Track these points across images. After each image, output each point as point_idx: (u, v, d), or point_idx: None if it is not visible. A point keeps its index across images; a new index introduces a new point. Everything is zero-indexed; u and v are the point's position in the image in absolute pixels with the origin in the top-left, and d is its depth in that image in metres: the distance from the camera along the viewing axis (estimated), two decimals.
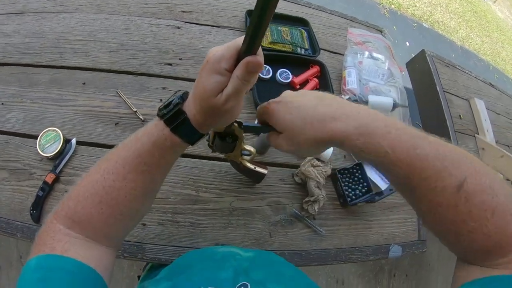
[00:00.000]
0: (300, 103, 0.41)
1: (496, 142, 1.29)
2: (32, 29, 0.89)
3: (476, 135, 1.25)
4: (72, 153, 0.78)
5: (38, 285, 0.33)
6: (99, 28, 0.91)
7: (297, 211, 0.82)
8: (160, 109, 0.40)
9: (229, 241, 0.76)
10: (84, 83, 0.84)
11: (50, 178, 0.74)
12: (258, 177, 0.74)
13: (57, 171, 0.75)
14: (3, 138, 0.78)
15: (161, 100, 0.84)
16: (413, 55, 1.36)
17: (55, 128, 0.77)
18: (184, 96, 0.40)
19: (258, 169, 0.67)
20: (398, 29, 3.26)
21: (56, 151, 0.75)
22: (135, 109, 0.82)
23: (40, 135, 0.76)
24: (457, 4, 4.53)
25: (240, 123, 0.54)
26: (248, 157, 0.66)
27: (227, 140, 0.57)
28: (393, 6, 3.53)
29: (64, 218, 0.39)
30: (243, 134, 0.57)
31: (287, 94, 0.45)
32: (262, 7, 0.30)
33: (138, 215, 0.47)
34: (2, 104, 0.81)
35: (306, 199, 0.81)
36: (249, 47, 0.35)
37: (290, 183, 0.84)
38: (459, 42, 3.86)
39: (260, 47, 0.37)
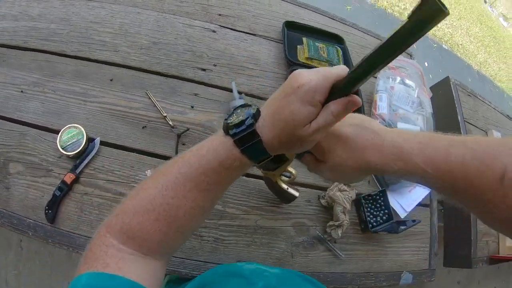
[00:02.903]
0: (342, 133, 0.42)
1: None
2: (59, 14, 0.84)
3: None
4: (95, 154, 0.74)
5: None
6: (130, 22, 0.87)
7: (320, 234, 0.81)
8: (229, 126, 0.37)
9: (251, 259, 0.74)
10: (111, 80, 0.80)
11: (69, 178, 0.70)
12: (288, 199, 0.72)
13: (77, 171, 0.71)
14: (20, 129, 0.74)
15: (192, 107, 0.81)
16: (430, 76, 1.37)
17: (78, 125, 0.73)
18: (256, 115, 0.38)
19: (291, 190, 0.66)
20: (418, 48, 3.28)
21: (78, 150, 0.71)
22: (164, 114, 0.78)
23: (62, 130, 0.72)
24: (478, 28, 4.56)
25: None
26: (287, 179, 0.64)
27: (275, 160, 0.55)
28: None
29: (118, 233, 0.37)
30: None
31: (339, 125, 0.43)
32: (385, 52, 0.29)
33: (193, 231, 0.48)
34: (22, 91, 0.76)
35: (331, 223, 0.80)
36: (350, 85, 0.34)
37: (316, 205, 0.83)
38: (476, 67, 3.89)
39: None
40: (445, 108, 1.23)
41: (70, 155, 0.71)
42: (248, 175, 0.79)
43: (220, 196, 0.44)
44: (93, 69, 0.81)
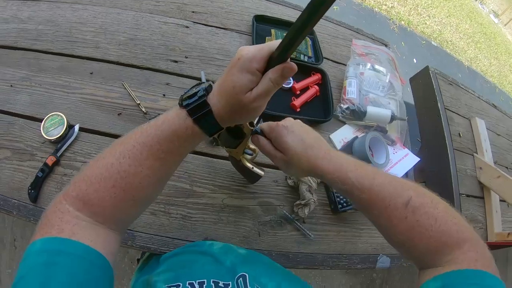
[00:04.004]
0: (305, 140, 0.51)
1: (495, 163, 1.30)
2: (46, 17, 0.93)
3: (474, 154, 1.25)
4: (74, 139, 0.80)
5: (43, 269, 0.32)
6: (110, 21, 0.95)
7: (287, 213, 0.83)
8: (183, 99, 0.41)
9: (218, 237, 0.77)
10: (91, 73, 0.87)
11: (50, 160, 0.76)
12: (254, 178, 0.75)
13: (58, 154, 0.77)
14: (9, 119, 0.80)
15: (164, 95, 0.87)
16: None
17: (59, 113, 0.79)
18: (208, 89, 0.42)
19: (256, 169, 0.68)
20: (407, 45, 3.29)
21: (59, 135, 0.77)
22: (138, 102, 0.84)
23: (45, 118, 0.79)
24: (468, 25, 4.55)
25: (251, 123, 0.56)
26: (249, 156, 0.67)
27: (234, 136, 0.59)
28: (403, 22, 3.56)
29: (74, 199, 0.38)
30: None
31: (294, 125, 0.54)
32: (307, 17, 0.31)
33: (149, 201, 0.48)
34: (11, 86, 0.84)
35: (297, 202, 0.82)
36: (283, 53, 0.37)
37: (283, 185, 0.86)
38: (466, 63, 3.87)
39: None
40: (426, 97, 1.24)
41: (52, 139, 0.77)
42: (215, 156, 0.83)
43: (173, 167, 0.46)
44: (75, 64, 0.88)
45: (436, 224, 0.40)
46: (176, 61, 0.92)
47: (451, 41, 4.00)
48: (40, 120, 0.79)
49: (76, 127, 0.81)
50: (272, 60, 0.38)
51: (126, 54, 0.91)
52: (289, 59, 0.40)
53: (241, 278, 0.47)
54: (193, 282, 0.44)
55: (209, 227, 0.77)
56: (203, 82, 0.44)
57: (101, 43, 0.91)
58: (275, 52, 0.38)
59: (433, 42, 3.73)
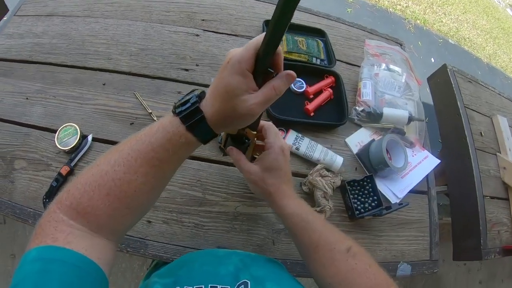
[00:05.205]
0: (287, 172, 0.58)
1: None
2: (59, 31, 0.95)
3: (497, 153, 1.19)
4: (88, 149, 0.80)
5: (37, 276, 0.32)
6: (121, 33, 0.96)
7: None
8: (176, 106, 0.40)
9: (231, 245, 0.76)
10: (104, 84, 0.88)
11: (64, 170, 0.77)
12: None
13: (72, 164, 0.78)
14: (25, 130, 0.82)
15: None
16: None
17: (73, 124, 0.80)
18: (201, 95, 0.41)
19: None
20: (423, 44, 3.21)
21: (73, 145, 0.78)
22: (150, 111, 0.84)
23: (59, 129, 0.80)
24: (485, 21, 4.41)
25: (253, 127, 0.54)
26: None
27: (240, 142, 0.58)
28: (418, 21, 3.48)
29: (68, 208, 0.38)
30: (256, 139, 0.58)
31: (288, 153, 0.59)
32: (282, 8, 0.30)
33: (144, 210, 0.47)
34: (27, 98, 0.86)
35: (312, 209, 0.80)
36: (267, 49, 0.36)
37: (297, 192, 0.84)
38: (485, 59, 3.75)
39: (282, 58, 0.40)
40: (445, 96, 1.19)
41: (66, 149, 0.78)
42: (228, 164, 0.82)
43: (168, 174, 0.45)
44: (88, 76, 0.89)
45: (370, 269, 0.48)
46: (187, 70, 0.92)
47: (468, 38, 3.88)
48: (55, 131, 0.80)
49: (90, 137, 0.81)
50: (259, 57, 0.37)
51: (137, 64, 0.91)
52: (281, 64, 0.40)
53: (242, 285, 0.45)
54: None
55: (221, 236, 0.76)
56: (197, 89, 0.43)
57: (113, 54, 0.92)
58: (260, 48, 0.37)
59: (450, 40, 3.63)
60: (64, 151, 0.79)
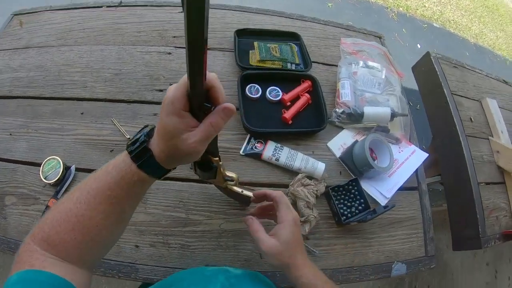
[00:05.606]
0: (299, 241, 0.58)
1: None
2: (35, 63, 0.96)
3: (490, 137, 1.16)
4: (72, 179, 0.82)
5: None
6: (95, 59, 0.96)
7: None
8: (128, 145, 0.42)
9: (218, 263, 0.76)
10: (82, 113, 0.89)
11: (52, 203, 0.79)
12: (245, 200, 0.73)
13: (58, 196, 0.80)
14: (12, 166, 0.84)
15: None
16: None
17: (56, 157, 0.82)
18: (150, 133, 0.42)
19: (245, 192, 0.68)
20: (408, 31, 3.15)
21: (57, 178, 0.80)
22: (128, 136, 0.85)
23: (43, 163, 0.82)
24: (468, 1, 4.29)
25: (213, 154, 0.55)
26: (232, 183, 0.67)
27: (207, 167, 0.58)
28: (401, 8, 3.41)
29: (40, 241, 0.41)
30: (220, 162, 0.58)
31: (298, 223, 0.59)
32: (189, 42, 0.29)
33: (110, 242, 0.49)
34: (10, 134, 0.87)
35: None
36: (192, 84, 0.35)
37: None
38: (472, 40, 3.67)
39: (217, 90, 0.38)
40: (431, 84, 1.17)
41: (52, 183, 0.80)
42: (208, 182, 0.82)
43: (128, 209, 0.47)
44: (67, 106, 0.90)
45: None
46: (161, 90, 0.92)
47: (453, 20, 3.79)
48: (39, 165, 0.82)
49: (73, 168, 0.83)
50: (189, 95, 0.37)
51: (112, 90, 0.92)
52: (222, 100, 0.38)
53: None
54: None
55: (208, 254, 0.77)
56: (147, 126, 0.44)
57: (88, 82, 0.93)
58: (188, 85, 0.36)
59: (435, 24, 3.55)
60: (49, 184, 0.81)
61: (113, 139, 0.86)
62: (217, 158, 0.55)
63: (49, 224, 0.42)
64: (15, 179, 0.83)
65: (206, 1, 0.26)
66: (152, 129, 0.43)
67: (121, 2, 1.07)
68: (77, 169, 0.83)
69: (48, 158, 0.82)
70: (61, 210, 0.42)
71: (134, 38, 1.01)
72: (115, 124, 0.87)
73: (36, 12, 1.08)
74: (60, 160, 0.82)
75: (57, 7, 1.09)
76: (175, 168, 0.45)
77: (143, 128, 0.44)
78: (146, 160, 0.41)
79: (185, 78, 0.37)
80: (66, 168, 0.83)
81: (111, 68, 0.95)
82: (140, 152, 0.41)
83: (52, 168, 0.82)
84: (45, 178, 0.80)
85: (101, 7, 1.07)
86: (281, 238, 0.55)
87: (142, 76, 0.94)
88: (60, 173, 0.80)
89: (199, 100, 0.38)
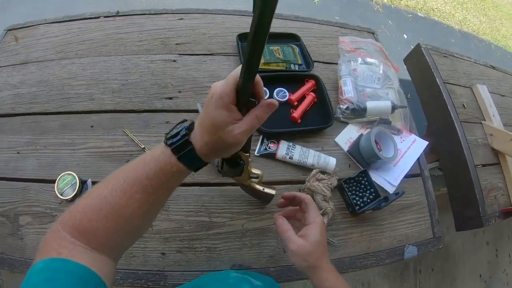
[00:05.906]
0: (324, 243, 0.59)
1: (505, 125, 1.28)
2: (36, 78, 0.95)
3: (482, 121, 1.24)
4: None
5: (44, 285, 0.35)
6: (99, 70, 0.96)
7: None
8: (167, 138, 0.43)
9: (245, 261, 0.79)
10: (92, 126, 0.89)
11: None
12: (266, 198, 0.76)
13: None
14: (23, 185, 0.83)
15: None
16: (412, 47, 1.35)
17: (70, 172, 0.82)
18: (190, 127, 0.44)
19: (267, 190, 0.70)
20: (394, 22, 3.24)
21: (74, 193, 0.80)
22: (143, 146, 0.85)
23: (57, 179, 0.81)
24: None
25: (246, 149, 0.57)
26: (256, 180, 0.69)
27: (235, 164, 0.60)
28: (385, 0, 3.50)
29: (70, 228, 0.41)
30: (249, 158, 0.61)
31: (324, 230, 0.60)
32: (254, 41, 0.32)
33: (140, 232, 0.50)
34: (18, 153, 0.86)
35: None
36: (245, 81, 0.38)
37: None
38: (456, 26, 3.80)
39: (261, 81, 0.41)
40: (423, 75, 1.23)
41: (69, 198, 0.80)
42: (227, 184, 0.84)
43: (163, 199, 0.48)
44: (75, 120, 0.90)
45: None
46: (171, 98, 0.93)
47: (436, 8, 3.92)
48: (53, 181, 0.81)
49: (89, 182, 0.83)
50: (239, 89, 0.39)
51: (121, 100, 0.92)
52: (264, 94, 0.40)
53: None
54: None
55: (235, 254, 0.79)
56: (186, 120, 0.46)
57: (95, 94, 0.93)
58: (239, 81, 0.38)
59: (419, 14, 3.66)
60: (66, 200, 0.80)
61: (128, 150, 0.86)
62: (247, 154, 0.58)
63: (81, 212, 0.42)
64: (28, 198, 0.82)
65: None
66: (192, 123, 0.44)
67: (118, 12, 1.07)
68: (93, 183, 0.83)
69: (62, 174, 0.82)
70: (95, 197, 0.43)
71: (136, 48, 1.01)
72: (127, 135, 0.87)
73: (31, 26, 1.06)
74: (75, 175, 0.81)
75: (52, 20, 1.07)
76: (209, 162, 0.47)
77: (181, 122, 0.45)
78: (186, 152, 0.42)
79: (233, 74, 0.39)
80: (82, 182, 0.82)
81: (117, 78, 0.95)
82: (181, 145, 0.42)
83: (67, 183, 0.81)
84: (61, 195, 0.80)
85: (98, 17, 1.06)
86: (310, 238, 0.56)
87: (150, 85, 0.94)
88: (77, 188, 0.80)
89: (247, 95, 0.41)
